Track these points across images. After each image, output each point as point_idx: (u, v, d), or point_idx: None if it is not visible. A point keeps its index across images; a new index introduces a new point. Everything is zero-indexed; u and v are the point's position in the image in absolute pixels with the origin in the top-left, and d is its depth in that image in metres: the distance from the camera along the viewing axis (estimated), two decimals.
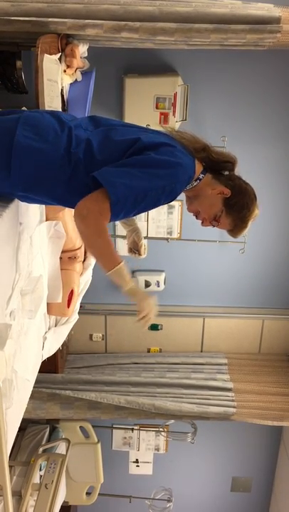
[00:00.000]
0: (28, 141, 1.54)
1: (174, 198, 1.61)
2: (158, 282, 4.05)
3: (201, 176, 1.68)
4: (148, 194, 1.51)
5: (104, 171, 1.50)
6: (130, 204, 1.50)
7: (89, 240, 1.53)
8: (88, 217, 1.46)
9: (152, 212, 3.88)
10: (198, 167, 1.68)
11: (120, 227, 3.87)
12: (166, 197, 1.57)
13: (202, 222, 1.76)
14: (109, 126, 1.68)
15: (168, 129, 1.73)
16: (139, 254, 2.06)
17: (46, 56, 2.65)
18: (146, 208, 1.57)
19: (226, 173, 1.72)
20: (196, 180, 1.68)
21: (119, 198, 1.47)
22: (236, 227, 1.74)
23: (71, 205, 1.59)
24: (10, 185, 1.59)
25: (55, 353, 2.66)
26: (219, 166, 1.71)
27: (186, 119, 3.46)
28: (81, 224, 1.49)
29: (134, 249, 2.06)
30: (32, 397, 2.31)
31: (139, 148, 1.57)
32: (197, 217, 1.77)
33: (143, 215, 3.89)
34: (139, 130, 1.71)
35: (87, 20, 2.76)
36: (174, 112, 3.39)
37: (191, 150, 1.67)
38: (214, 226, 1.76)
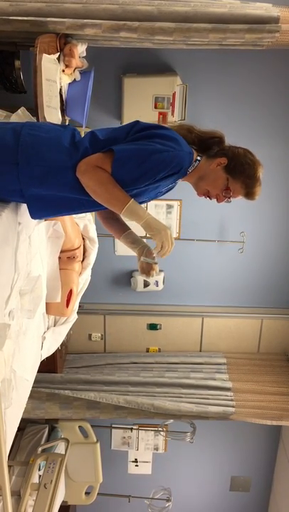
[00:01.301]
0: (33, 137, 1.62)
1: (181, 167, 1.67)
2: (157, 282, 4.05)
3: (198, 158, 1.75)
4: (152, 154, 1.59)
5: (110, 147, 1.61)
6: (135, 161, 1.58)
7: (94, 191, 1.61)
8: (87, 171, 1.58)
9: (151, 211, 3.88)
10: (194, 152, 1.76)
11: None
12: (172, 159, 1.63)
13: (217, 200, 1.80)
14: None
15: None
16: (151, 275, 1.87)
17: (45, 56, 2.65)
18: (153, 169, 1.61)
19: (217, 149, 1.78)
20: (195, 161, 1.74)
21: (122, 152, 1.57)
22: (248, 186, 1.76)
23: (84, 192, 1.64)
24: (19, 181, 1.61)
25: (54, 353, 2.66)
26: (208, 143, 1.78)
27: (184, 119, 3.46)
28: (83, 179, 1.59)
29: (147, 269, 1.87)
30: (31, 396, 2.31)
31: (139, 129, 1.68)
32: (210, 198, 1.81)
33: None
34: None
35: (85, 20, 2.76)
36: (173, 111, 3.39)
37: (182, 135, 1.75)
38: (229, 198, 1.78)
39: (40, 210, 1.74)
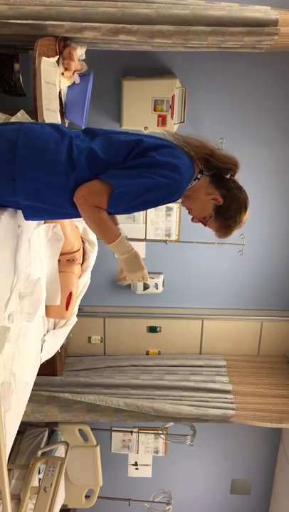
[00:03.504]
0: (30, 151, 1.58)
1: (179, 196, 1.69)
2: (156, 284, 4.04)
3: (199, 176, 1.73)
4: (150, 190, 1.58)
5: (109, 172, 1.58)
6: (132, 196, 1.58)
7: (87, 222, 1.65)
8: (84, 206, 1.59)
9: (151, 214, 3.89)
10: (196, 167, 1.73)
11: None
12: (170, 194, 1.63)
13: (192, 219, 1.84)
14: (107, 133, 1.73)
15: (170, 134, 1.77)
16: (123, 282, 1.86)
17: (44, 59, 2.65)
18: (150, 201, 1.62)
19: (227, 176, 1.76)
20: (194, 180, 1.72)
21: (122, 190, 1.55)
22: (220, 232, 1.83)
23: (71, 211, 1.65)
24: (15, 194, 1.62)
25: (53, 356, 2.66)
26: (220, 170, 1.75)
27: (184, 122, 3.46)
28: (80, 209, 1.61)
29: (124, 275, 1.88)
30: (31, 400, 2.31)
31: (142, 150, 1.63)
32: (189, 213, 1.84)
33: (142, 216, 3.88)
34: (138, 134, 1.75)
35: (84, 23, 2.76)
36: (172, 114, 3.39)
37: (191, 153, 1.72)
38: (203, 224, 1.83)
39: (35, 216, 1.76)
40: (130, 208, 1.66)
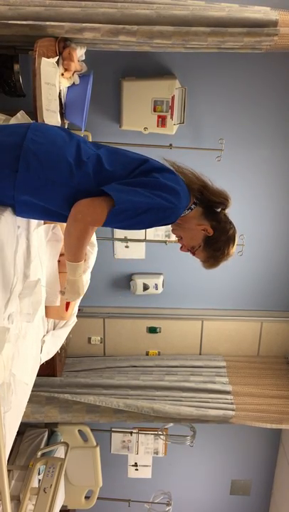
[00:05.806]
0: (37, 145, 1.61)
1: (174, 221, 1.72)
2: (156, 285, 4.04)
3: (192, 207, 1.77)
4: (148, 211, 1.59)
5: (112, 185, 1.59)
6: (130, 213, 1.59)
7: (70, 236, 1.64)
8: (79, 223, 1.59)
9: None
10: (191, 197, 1.77)
11: (118, 231, 3.87)
12: (166, 217, 1.65)
13: (181, 248, 1.88)
14: (112, 147, 1.78)
15: (169, 162, 1.80)
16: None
17: (44, 59, 2.65)
18: (145, 222, 1.64)
19: (218, 210, 1.81)
20: (188, 209, 1.76)
21: (122, 206, 1.56)
22: (208, 262, 1.86)
23: (66, 212, 1.64)
24: (14, 187, 1.61)
25: (53, 357, 2.65)
26: (212, 203, 1.80)
27: (183, 122, 3.46)
28: (73, 223, 1.60)
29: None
30: (30, 400, 2.30)
31: (147, 169, 1.67)
32: (178, 241, 1.87)
33: None
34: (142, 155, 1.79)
35: (84, 24, 2.76)
36: (172, 114, 3.39)
37: (188, 183, 1.76)
38: (191, 254, 1.87)
39: (26, 212, 1.75)
40: (124, 226, 1.66)
